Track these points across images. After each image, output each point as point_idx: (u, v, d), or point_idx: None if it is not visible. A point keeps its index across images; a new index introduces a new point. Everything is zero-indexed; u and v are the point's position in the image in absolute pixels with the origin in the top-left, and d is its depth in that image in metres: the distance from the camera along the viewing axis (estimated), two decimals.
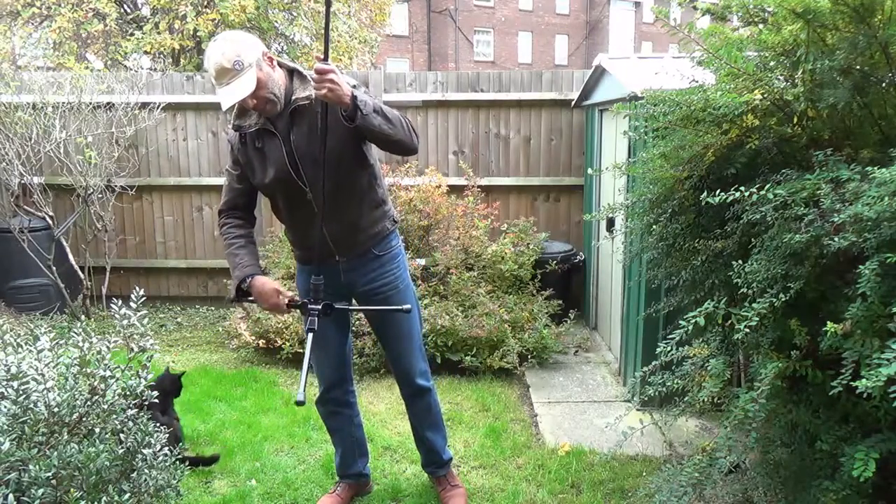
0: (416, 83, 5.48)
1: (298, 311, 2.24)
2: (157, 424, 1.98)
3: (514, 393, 3.91)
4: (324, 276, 2.22)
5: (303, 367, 2.02)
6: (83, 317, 5.18)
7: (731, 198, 1.73)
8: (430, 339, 3.97)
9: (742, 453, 1.87)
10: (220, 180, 5.52)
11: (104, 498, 1.71)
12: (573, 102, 5.25)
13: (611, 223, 3.94)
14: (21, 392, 1.68)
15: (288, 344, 4.22)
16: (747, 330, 1.65)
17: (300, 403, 1.90)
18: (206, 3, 7.62)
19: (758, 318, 1.64)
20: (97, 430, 1.82)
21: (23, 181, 4.94)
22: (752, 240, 1.86)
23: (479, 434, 3.35)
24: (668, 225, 2.37)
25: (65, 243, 5.20)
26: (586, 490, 2.80)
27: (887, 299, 1.44)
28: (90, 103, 5.01)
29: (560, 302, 4.55)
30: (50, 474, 1.61)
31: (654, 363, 2.19)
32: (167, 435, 1.99)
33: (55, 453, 1.66)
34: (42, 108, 4.88)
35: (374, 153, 2.39)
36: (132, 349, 1.91)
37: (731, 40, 1.99)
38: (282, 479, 2.91)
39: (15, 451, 1.62)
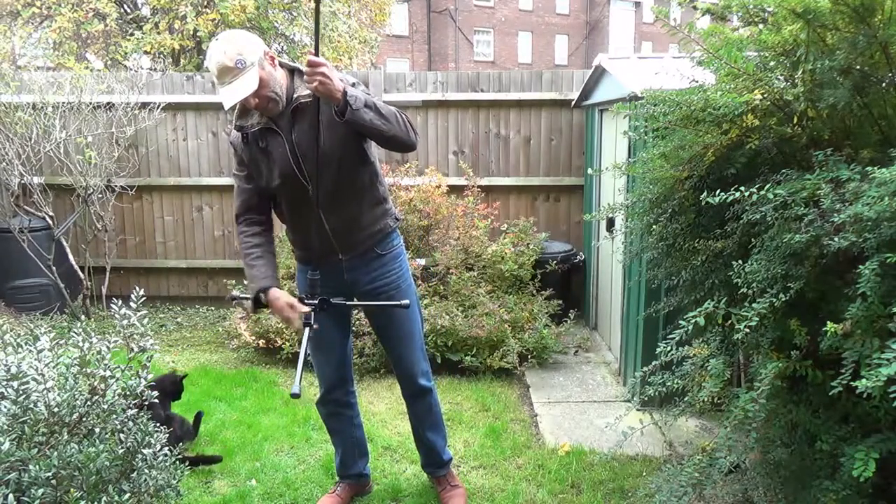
0: (416, 83, 5.47)
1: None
2: (157, 424, 1.98)
3: (514, 393, 3.91)
4: (326, 275, 2.22)
5: (299, 359, 2.02)
6: (83, 317, 5.18)
7: (731, 198, 1.73)
8: (430, 339, 3.97)
9: (742, 453, 1.87)
10: (221, 180, 5.57)
11: (104, 498, 1.71)
12: (573, 102, 5.25)
13: (611, 223, 3.94)
14: (21, 392, 1.68)
15: (288, 344, 4.23)
16: (747, 330, 1.65)
17: (295, 396, 1.90)
18: (206, 3, 7.62)
19: (758, 318, 1.64)
20: (97, 430, 1.82)
21: (23, 181, 4.94)
22: (752, 240, 1.86)
23: (479, 434, 3.35)
24: (668, 225, 2.37)
25: (65, 243, 5.20)
26: (586, 490, 2.80)
27: (887, 299, 1.44)
28: (90, 103, 5.01)
29: (560, 302, 4.55)
30: (50, 474, 1.61)
31: (654, 363, 2.19)
32: (167, 435, 1.99)
33: (55, 453, 1.66)
34: (42, 108, 4.88)
35: (375, 152, 2.39)
36: (132, 349, 1.91)
37: (731, 40, 1.99)
38: (282, 479, 2.91)
39: (15, 451, 1.61)
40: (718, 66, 2.04)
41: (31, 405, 1.69)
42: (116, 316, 1.89)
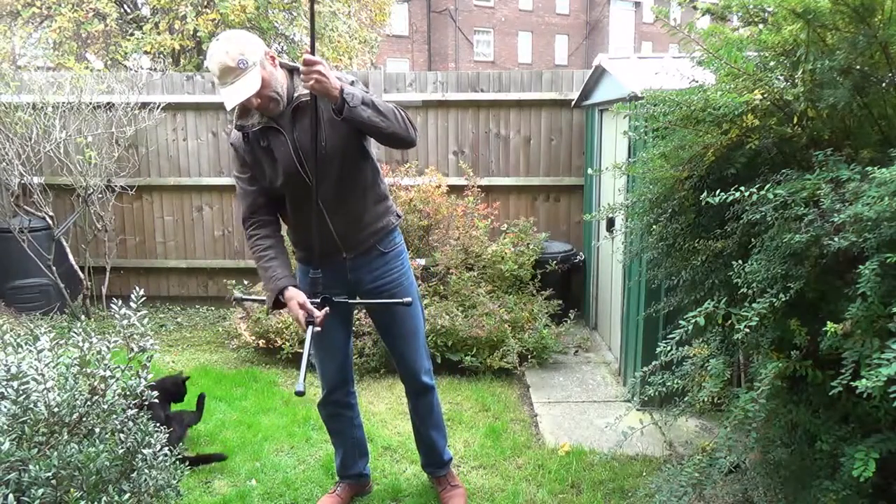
0: (416, 83, 5.47)
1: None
2: (157, 425, 1.98)
3: (514, 393, 3.91)
4: (330, 275, 2.22)
5: (303, 357, 2.02)
6: (83, 317, 5.18)
7: (731, 198, 1.73)
8: (430, 339, 3.97)
9: (742, 453, 1.87)
10: (221, 180, 5.57)
11: (104, 498, 1.71)
12: (573, 102, 5.25)
13: (611, 223, 3.94)
14: (21, 392, 1.68)
15: (288, 344, 4.23)
16: (747, 330, 1.65)
17: (300, 394, 1.90)
18: (206, 3, 7.62)
19: (758, 318, 1.64)
20: (97, 430, 1.82)
21: (23, 181, 4.94)
22: (752, 240, 1.86)
23: (479, 434, 3.35)
24: (668, 225, 2.37)
25: (65, 243, 5.20)
26: (586, 490, 2.80)
27: (887, 299, 1.44)
28: (90, 103, 5.01)
29: (560, 302, 4.54)
30: (50, 474, 1.61)
31: (654, 363, 2.19)
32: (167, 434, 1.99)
33: (55, 453, 1.66)
34: (42, 108, 4.88)
35: (374, 149, 2.40)
36: (132, 349, 1.91)
37: (731, 40, 1.99)
38: (282, 479, 2.91)
39: (15, 451, 1.61)
40: (718, 66, 2.04)
41: (31, 405, 1.69)
42: (116, 316, 1.89)
